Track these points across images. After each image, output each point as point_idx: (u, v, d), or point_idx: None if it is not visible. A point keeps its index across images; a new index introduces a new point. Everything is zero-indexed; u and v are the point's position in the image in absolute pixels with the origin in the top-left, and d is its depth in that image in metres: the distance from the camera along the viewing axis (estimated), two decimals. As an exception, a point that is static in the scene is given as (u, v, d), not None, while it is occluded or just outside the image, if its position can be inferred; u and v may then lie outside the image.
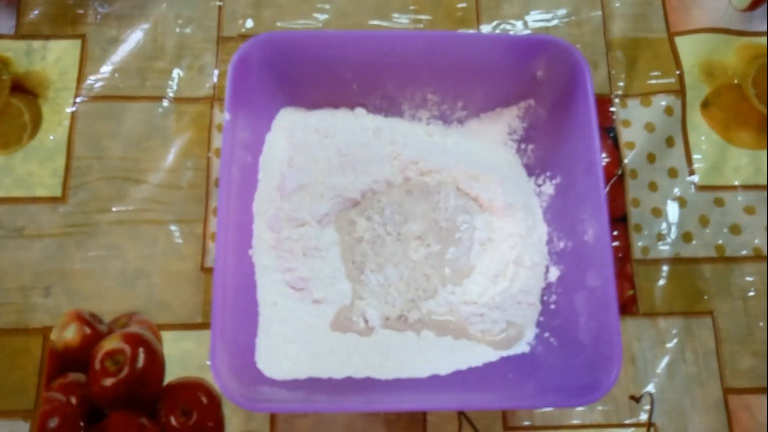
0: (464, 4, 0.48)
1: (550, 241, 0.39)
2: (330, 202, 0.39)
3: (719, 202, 0.45)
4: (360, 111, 0.41)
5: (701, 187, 0.45)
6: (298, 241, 0.38)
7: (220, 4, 0.47)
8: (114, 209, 0.43)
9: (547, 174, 0.40)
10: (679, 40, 0.48)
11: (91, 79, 0.45)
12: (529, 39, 0.38)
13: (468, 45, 0.38)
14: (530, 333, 0.38)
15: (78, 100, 0.45)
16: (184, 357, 0.40)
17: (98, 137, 0.44)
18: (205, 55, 0.46)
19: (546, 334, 0.38)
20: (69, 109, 0.44)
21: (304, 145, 0.39)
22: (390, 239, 0.39)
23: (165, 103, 0.45)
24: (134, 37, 0.46)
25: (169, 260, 0.42)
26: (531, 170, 0.41)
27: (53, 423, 0.37)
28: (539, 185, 0.41)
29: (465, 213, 0.40)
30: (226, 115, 0.35)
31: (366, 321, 0.38)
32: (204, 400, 0.38)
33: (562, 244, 0.38)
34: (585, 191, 0.35)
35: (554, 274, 0.38)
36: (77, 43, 0.46)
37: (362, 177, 0.39)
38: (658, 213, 0.44)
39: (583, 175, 0.35)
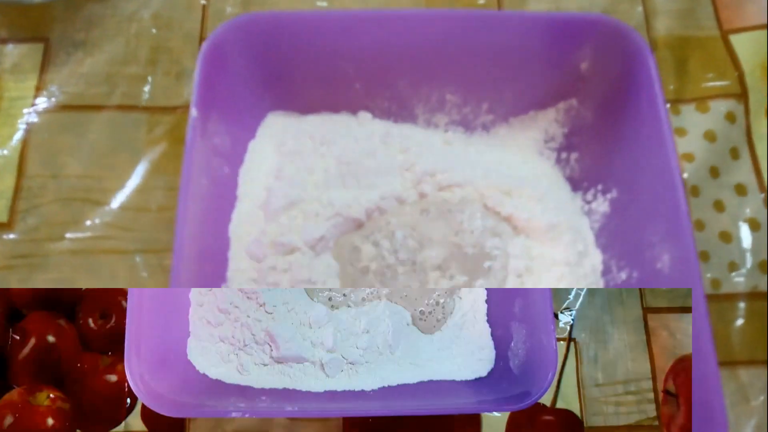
0: (485, -4, 0.46)
1: (607, 272, 0.34)
2: (327, 223, 0.34)
3: (799, 223, 0.41)
4: (364, 116, 0.38)
5: (776, 206, 0.41)
6: (285, 273, 0.33)
7: (204, 2, 0.44)
8: (67, 236, 0.38)
9: (599, 188, 0.36)
10: (735, 39, 0.45)
11: (52, 87, 0.42)
12: (572, 18, 0.36)
13: (495, 27, 0.35)
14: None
15: (34, 110, 0.41)
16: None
17: (55, 152, 0.40)
18: (185, 59, 0.43)
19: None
20: (23, 121, 0.41)
21: (296, 154, 0.36)
22: (403, 270, 0.35)
23: (136, 113, 0.42)
24: (105, 40, 0.43)
25: (132, 298, 0.36)
26: (576, 184, 0.38)
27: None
28: (588, 202, 0.37)
29: (495, 236, 0.36)
30: (193, 111, 0.32)
31: None
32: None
33: (624, 275, 0.33)
34: (654, 206, 0.31)
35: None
36: (39, 47, 0.43)
37: (367, 192, 0.35)
38: (728, 238, 0.40)
39: (650, 186, 0.32)
